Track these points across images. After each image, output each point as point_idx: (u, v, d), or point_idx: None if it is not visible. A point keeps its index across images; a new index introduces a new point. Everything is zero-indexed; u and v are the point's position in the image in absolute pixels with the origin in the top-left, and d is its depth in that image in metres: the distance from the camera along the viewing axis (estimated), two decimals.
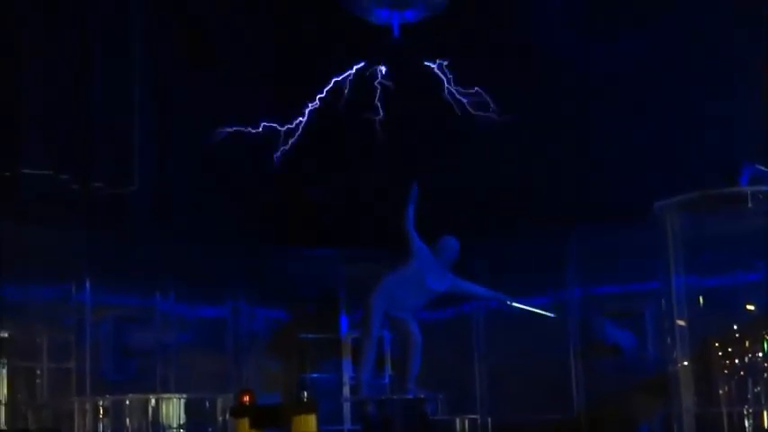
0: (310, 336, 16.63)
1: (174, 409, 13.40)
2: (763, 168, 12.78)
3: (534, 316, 15.12)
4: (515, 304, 14.74)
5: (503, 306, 15.51)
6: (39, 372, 13.76)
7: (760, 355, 12.56)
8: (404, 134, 16.00)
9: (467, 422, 14.08)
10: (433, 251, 14.04)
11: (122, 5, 15.36)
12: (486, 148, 15.38)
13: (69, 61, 14.89)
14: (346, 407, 15.70)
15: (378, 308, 13.98)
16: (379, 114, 14.90)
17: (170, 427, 13.40)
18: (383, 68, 15.08)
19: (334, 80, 15.00)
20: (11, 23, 14.20)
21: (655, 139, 14.98)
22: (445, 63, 14.77)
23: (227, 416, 12.96)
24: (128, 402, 13.08)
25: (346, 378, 16.37)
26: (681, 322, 12.60)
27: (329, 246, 16.47)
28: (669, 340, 12.75)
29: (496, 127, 15.03)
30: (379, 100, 15.17)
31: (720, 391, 12.70)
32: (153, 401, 13.20)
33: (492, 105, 14.83)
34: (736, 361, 12.78)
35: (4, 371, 13.45)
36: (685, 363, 12.53)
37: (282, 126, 14.55)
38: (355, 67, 15.17)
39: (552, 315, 14.87)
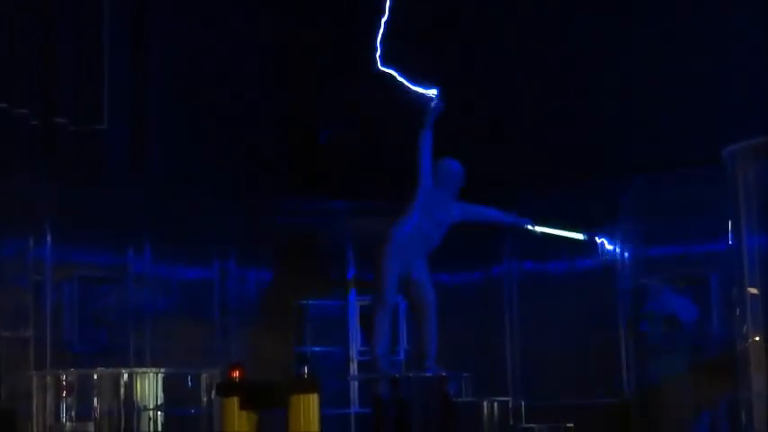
0: (311, 302, 16.00)
1: (150, 385, 12.77)
2: None
3: (577, 279, 14.70)
4: (539, 229, 13.98)
5: (539, 267, 15.09)
6: None
7: None
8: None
9: (496, 406, 13.31)
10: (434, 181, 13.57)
11: None
12: (524, 82, 15.08)
13: None
14: (354, 386, 15.19)
15: (391, 266, 13.27)
16: None
17: (145, 407, 12.70)
18: None
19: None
20: None
21: (725, 77, 14.24)
22: None
23: (213, 394, 12.51)
24: (96, 378, 12.50)
25: (354, 352, 15.83)
26: (753, 290, 11.34)
27: (335, 197, 15.92)
28: (738, 312, 11.54)
29: (540, 62, 14.91)
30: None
31: None
32: (125, 377, 12.58)
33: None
34: None
35: None
36: (757, 338, 11.21)
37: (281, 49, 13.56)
38: None
39: (584, 237, 14.36)
